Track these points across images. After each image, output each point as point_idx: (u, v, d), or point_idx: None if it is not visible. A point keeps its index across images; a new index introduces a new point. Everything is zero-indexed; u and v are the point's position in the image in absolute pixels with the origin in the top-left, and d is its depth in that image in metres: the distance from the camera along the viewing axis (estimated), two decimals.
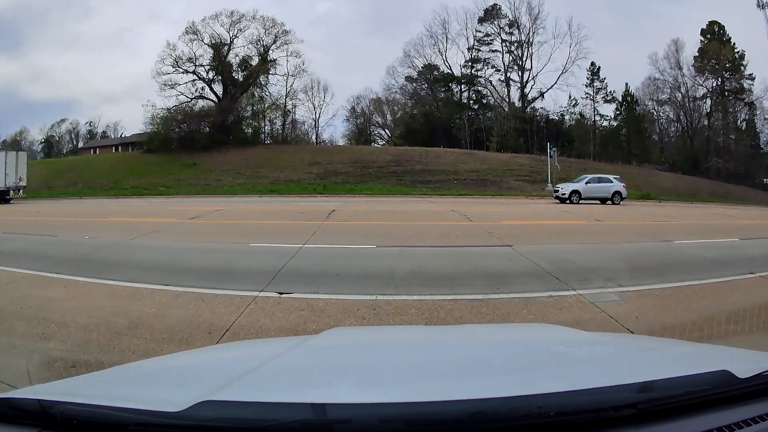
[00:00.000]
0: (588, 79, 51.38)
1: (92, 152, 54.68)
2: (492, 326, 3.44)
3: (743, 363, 1.16)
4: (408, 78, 51.28)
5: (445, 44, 50.72)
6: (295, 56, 45.53)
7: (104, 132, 62.55)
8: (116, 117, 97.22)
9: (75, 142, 61.29)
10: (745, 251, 7.99)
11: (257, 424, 0.88)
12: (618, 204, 22.15)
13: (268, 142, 46.71)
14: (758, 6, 54.33)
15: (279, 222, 11.68)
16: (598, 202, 22.49)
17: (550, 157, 29.87)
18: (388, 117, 54.64)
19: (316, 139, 50.90)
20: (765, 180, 53.65)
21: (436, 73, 51.11)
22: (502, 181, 29.91)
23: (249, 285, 4.94)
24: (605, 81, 52.04)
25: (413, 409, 0.89)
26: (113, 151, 53.52)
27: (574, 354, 1.60)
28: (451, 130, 49.28)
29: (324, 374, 1.33)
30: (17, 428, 0.98)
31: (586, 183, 23.10)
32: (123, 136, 57.88)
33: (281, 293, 4.72)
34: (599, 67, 51.75)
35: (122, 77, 76.33)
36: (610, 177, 23.94)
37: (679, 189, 33.88)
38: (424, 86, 52.01)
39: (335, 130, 75.47)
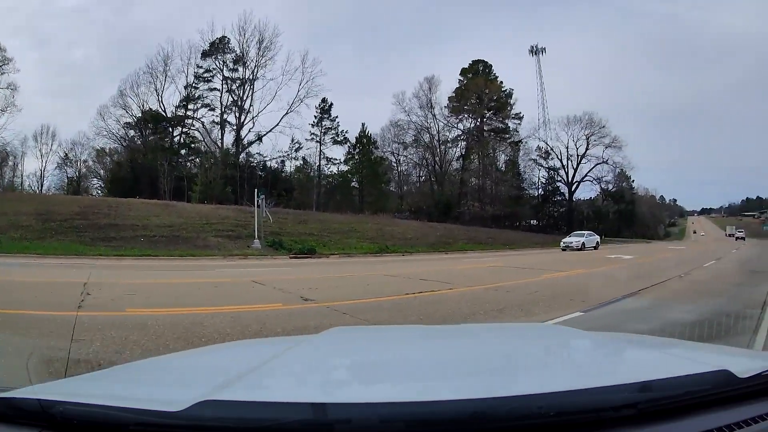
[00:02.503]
0: (316, 117, 44.98)
1: None
2: (492, 326, 3.44)
3: (743, 363, 1.16)
4: (122, 123, 42.49)
5: (163, 82, 42.66)
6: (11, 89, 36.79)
7: None
8: None
9: None
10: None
11: (257, 423, 0.88)
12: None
13: None
14: (531, 53, 55.77)
15: None
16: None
17: (258, 206, 25.28)
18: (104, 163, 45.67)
19: (40, 188, 42.49)
20: (532, 221, 53.26)
21: (145, 114, 42.60)
22: (198, 237, 24.63)
23: None
24: (337, 120, 45.61)
25: (413, 408, 0.89)
26: None
27: (574, 354, 1.61)
28: (157, 179, 40.44)
29: (324, 374, 1.33)
30: (17, 428, 0.98)
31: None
32: None
33: None
34: (331, 103, 45.16)
35: None
36: None
37: (428, 238, 30.82)
38: (138, 130, 43.49)
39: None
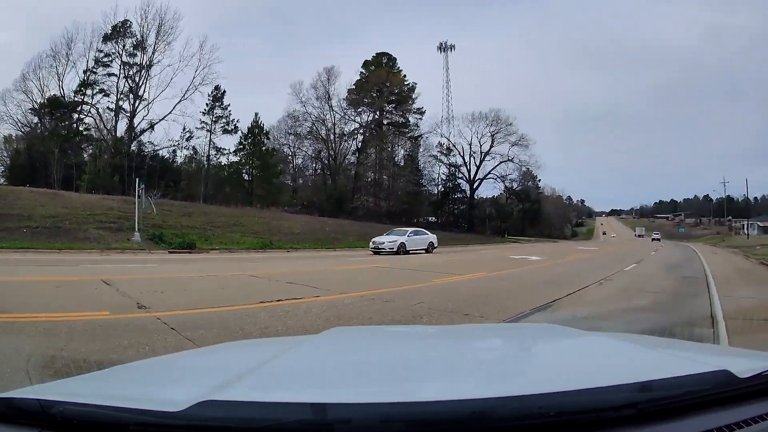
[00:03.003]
0: (208, 105, 42.91)
1: None
2: (492, 326, 3.45)
3: (743, 363, 1.16)
4: (25, 108, 40.50)
5: (65, 66, 40.69)
6: None
7: None
8: None
9: None
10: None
11: (257, 423, 0.88)
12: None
13: None
14: (439, 49, 56.22)
15: None
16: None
17: (139, 197, 23.95)
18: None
19: None
20: (429, 218, 51.68)
21: (46, 99, 40.54)
22: (80, 229, 23.21)
23: None
24: (229, 108, 43.58)
25: (413, 408, 0.89)
26: None
27: (573, 354, 1.60)
28: (51, 167, 38.59)
29: (324, 374, 1.33)
30: (17, 428, 0.98)
31: None
32: None
33: None
34: (224, 91, 43.22)
35: None
36: None
37: (316, 234, 29.39)
38: (39, 117, 41.33)
39: None
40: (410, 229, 25.68)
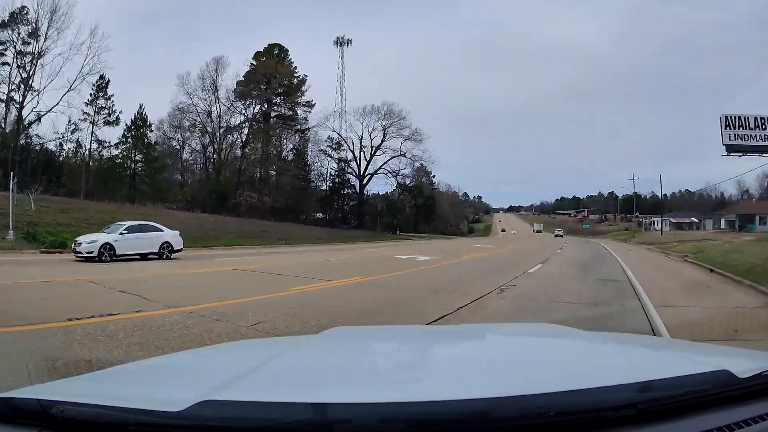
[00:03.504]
0: (91, 95, 40.08)
1: None
2: (492, 326, 3.44)
3: (743, 363, 1.16)
4: None
5: None
6: None
7: None
8: None
9: None
10: None
11: (257, 423, 0.88)
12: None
13: None
14: (336, 44, 54.47)
15: None
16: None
17: (12, 192, 21.65)
18: None
19: None
20: (317, 214, 49.79)
21: None
22: None
23: None
24: (113, 99, 40.74)
25: (413, 408, 0.89)
26: None
27: (574, 354, 1.60)
28: None
29: (324, 374, 1.33)
30: (17, 428, 0.98)
31: None
32: None
33: None
34: (108, 80, 40.38)
35: None
36: None
37: (194, 231, 26.94)
38: None
39: None
40: (128, 223, 16.85)
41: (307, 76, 49.87)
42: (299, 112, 50.11)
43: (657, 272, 12.54)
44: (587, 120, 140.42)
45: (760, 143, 33.41)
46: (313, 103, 49.99)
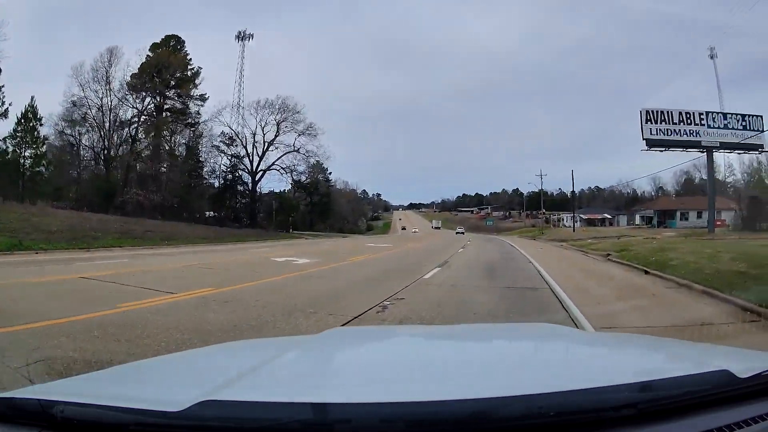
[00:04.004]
0: None
1: None
2: (492, 326, 3.44)
3: (743, 363, 1.15)
4: None
5: None
6: None
7: None
8: None
9: None
10: None
11: (257, 423, 0.88)
12: None
13: None
14: (237, 38, 51.27)
15: None
16: None
17: None
18: None
19: None
20: (208, 213, 47.62)
21: None
22: None
23: None
24: (3, 89, 36.55)
25: (413, 408, 0.89)
26: None
27: (574, 354, 1.60)
28: None
29: (324, 374, 1.33)
30: (17, 428, 0.98)
31: None
32: None
33: None
34: (0, 69, 36.74)
35: None
36: None
37: (74, 231, 25.47)
38: None
39: None
40: None
41: (201, 68, 48.34)
42: (192, 106, 48.33)
43: (582, 276, 10.72)
44: (491, 119, 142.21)
45: (685, 138, 32.60)
46: (206, 96, 48.05)
